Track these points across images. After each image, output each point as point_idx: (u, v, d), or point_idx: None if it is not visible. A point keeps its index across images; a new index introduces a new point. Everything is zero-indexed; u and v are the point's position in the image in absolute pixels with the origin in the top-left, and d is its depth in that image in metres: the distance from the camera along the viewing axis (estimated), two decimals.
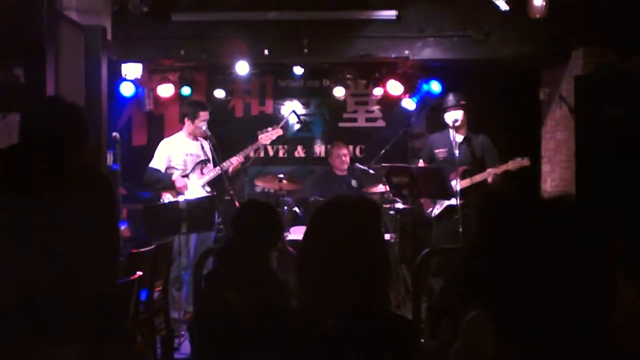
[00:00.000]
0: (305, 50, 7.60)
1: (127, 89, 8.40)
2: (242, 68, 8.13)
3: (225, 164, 7.09)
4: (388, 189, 7.21)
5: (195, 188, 7.04)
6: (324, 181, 8.38)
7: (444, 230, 6.98)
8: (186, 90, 8.81)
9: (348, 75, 8.67)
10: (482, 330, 2.37)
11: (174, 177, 7.01)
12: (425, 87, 8.51)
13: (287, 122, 8.92)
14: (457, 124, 7.01)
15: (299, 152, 9.53)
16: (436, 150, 7.26)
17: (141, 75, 8.32)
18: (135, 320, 4.43)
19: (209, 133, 7.08)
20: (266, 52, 7.74)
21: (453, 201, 6.65)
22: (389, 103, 9.05)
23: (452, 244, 6.41)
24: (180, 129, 7.36)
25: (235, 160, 7.18)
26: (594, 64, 7.32)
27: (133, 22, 7.27)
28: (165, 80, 8.67)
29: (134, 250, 5.15)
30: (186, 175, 7.07)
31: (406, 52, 7.75)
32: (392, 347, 2.12)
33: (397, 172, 6.89)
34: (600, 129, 6.88)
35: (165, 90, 8.68)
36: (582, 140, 7.16)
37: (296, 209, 8.02)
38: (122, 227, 7.76)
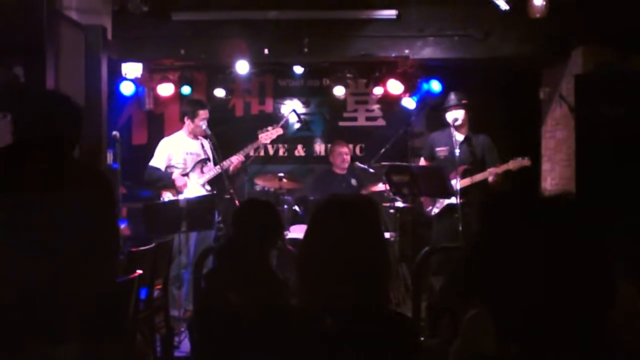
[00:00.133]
0: (306, 50, 7.60)
1: (127, 88, 8.41)
2: (242, 67, 8.13)
3: (225, 163, 7.09)
4: (388, 187, 7.21)
5: (195, 187, 7.04)
6: (324, 180, 8.38)
7: (444, 228, 6.99)
8: (186, 90, 8.81)
9: (348, 75, 8.67)
10: (482, 329, 2.37)
11: (174, 176, 7.01)
12: (425, 86, 8.52)
13: (287, 121, 8.93)
14: (457, 123, 7.02)
15: (299, 151, 9.53)
16: (437, 149, 7.27)
17: (141, 75, 8.33)
18: (135, 319, 4.43)
19: (209, 132, 7.08)
20: (266, 51, 7.74)
21: (453, 200, 6.66)
22: (389, 102, 9.05)
23: (452, 243, 6.42)
24: (180, 128, 7.36)
25: (235, 160, 7.18)
26: (593, 63, 7.32)
27: (133, 22, 7.26)
28: (165, 79, 8.67)
29: (133, 249, 5.15)
30: (186, 174, 7.07)
31: (406, 51, 7.76)
32: (392, 345, 2.12)
33: (397, 171, 6.89)
34: (600, 128, 6.88)
35: (165, 89, 8.68)
36: (582, 139, 7.16)
37: (296, 207, 8.03)
38: (122, 226, 7.76)
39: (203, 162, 7.17)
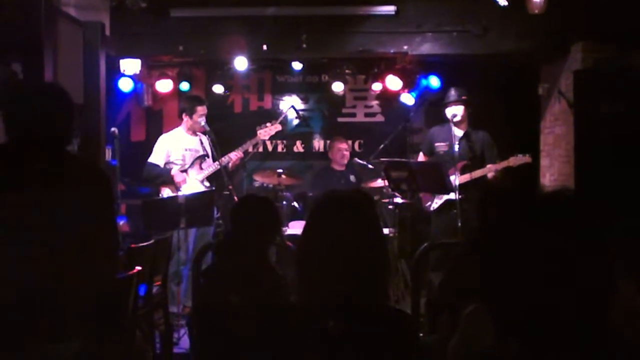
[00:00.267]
0: (304, 46, 7.60)
1: (125, 85, 8.40)
2: (240, 63, 8.13)
3: (224, 159, 7.09)
4: (387, 183, 7.22)
5: (194, 183, 7.04)
6: (323, 176, 8.38)
7: (443, 224, 6.99)
8: (185, 86, 8.80)
9: (347, 71, 8.68)
10: (480, 324, 2.37)
11: (173, 172, 7.01)
12: (424, 82, 8.52)
13: (285, 117, 8.93)
14: (456, 119, 7.04)
15: (298, 147, 9.53)
16: (436, 144, 7.27)
17: (140, 71, 8.32)
18: (134, 315, 4.43)
19: (207, 128, 7.08)
20: (265, 47, 7.74)
21: (452, 196, 6.66)
22: (388, 98, 9.05)
23: (451, 239, 6.42)
24: (179, 124, 7.36)
25: (234, 156, 7.19)
26: (592, 59, 7.32)
27: (131, 18, 7.25)
28: (164, 75, 8.67)
29: (132, 245, 5.15)
30: (185, 171, 7.07)
31: (405, 47, 7.75)
32: (391, 342, 2.12)
33: (396, 167, 6.89)
34: (599, 124, 6.88)
35: (164, 85, 8.68)
36: (581, 135, 7.17)
37: (295, 203, 8.04)
38: (121, 223, 7.76)
39: (202, 158, 7.17)
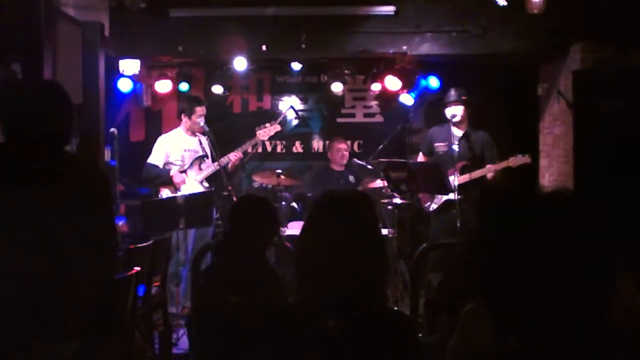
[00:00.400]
0: (303, 46, 7.59)
1: (124, 85, 8.40)
2: (240, 64, 8.13)
3: (223, 160, 7.09)
4: (386, 184, 7.21)
5: (193, 184, 7.04)
6: (322, 176, 8.38)
7: (442, 225, 6.99)
8: (184, 86, 8.80)
9: (346, 71, 8.67)
10: (478, 323, 2.37)
11: (172, 173, 7.01)
12: (423, 82, 8.51)
13: (285, 117, 8.93)
14: (455, 119, 7.04)
15: (297, 147, 9.52)
16: (436, 144, 7.27)
17: (139, 71, 8.31)
18: (133, 316, 4.43)
19: (206, 128, 7.08)
20: (264, 47, 7.73)
21: (451, 196, 6.66)
22: (387, 98, 9.05)
23: (450, 239, 6.42)
24: (178, 124, 7.36)
25: (233, 156, 7.19)
26: (592, 59, 7.32)
27: (131, 18, 7.25)
28: (163, 76, 8.66)
29: (131, 246, 5.15)
30: (184, 171, 7.07)
31: (404, 47, 7.75)
32: (390, 342, 2.12)
33: (395, 167, 6.89)
34: (598, 124, 6.88)
35: (163, 86, 8.67)
36: (580, 135, 7.17)
37: (294, 204, 8.03)
38: (120, 223, 7.76)
39: (201, 158, 7.17)
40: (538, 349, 1.61)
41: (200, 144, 7.20)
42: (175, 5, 7.60)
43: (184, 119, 7.21)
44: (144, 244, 5.35)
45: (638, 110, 6.67)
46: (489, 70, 8.33)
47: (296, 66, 8.68)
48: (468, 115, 7.19)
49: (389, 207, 7.47)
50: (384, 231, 7.07)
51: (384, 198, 7.55)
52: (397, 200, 7.42)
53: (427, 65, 8.38)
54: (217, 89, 8.91)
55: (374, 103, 9.46)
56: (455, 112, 7.08)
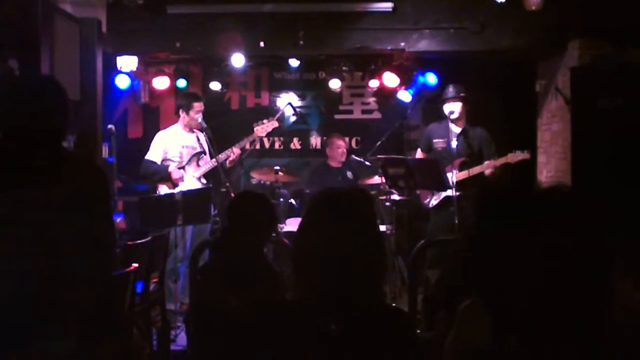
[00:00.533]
0: (301, 43, 7.59)
1: (122, 82, 8.39)
2: (237, 60, 8.13)
3: (221, 156, 7.08)
4: (384, 180, 7.22)
5: (191, 180, 7.03)
6: (320, 173, 8.39)
7: (441, 221, 6.99)
8: (182, 83, 8.80)
9: (344, 67, 8.67)
10: (476, 320, 2.37)
11: (170, 169, 7.01)
12: (421, 79, 8.51)
13: (283, 114, 8.92)
14: (453, 116, 7.05)
15: (295, 144, 9.52)
16: (434, 140, 7.27)
17: (136, 68, 8.30)
18: (131, 313, 4.42)
19: (204, 125, 7.07)
20: (262, 44, 7.73)
21: (450, 192, 6.67)
22: (385, 95, 9.05)
23: (449, 236, 6.42)
24: (176, 121, 7.35)
25: (231, 153, 7.18)
26: (590, 56, 7.32)
27: (128, 15, 7.24)
28: (161, 72, 8.65)
29: (129, 243, 5.15)
30: (182, 168, 7.06)
31: (402, 44, 7.74)
32: (388, 339, 2.12)
33: (393, 164, 6.89)
34: (596, 121, 6.89)
35: (161, 82, 8.67)
36: (578, 131, 7.17)
37: (292, 200, 8.04)
38: (118, 220, 7.76)
39: (199, 155, 7.17)
40: (536, 346, 1.61)
41: (198, 140, 7.20)
42: (173, 1, 7.59)
43: (182, 114, 7.20)
44: (142, 241, 5.35)
45: (636, 107, 6.67)
46: (487, 66, 8.32)
47: (294, 63, 8.68)
48: (466, 111, 7.18)
49: (387, 203, 7.48)
50: (382, 227, 7.07)
51: (382, 195, 7.55)
52: (395, 197, 7.43)
53: (425, 61, 8.38)
54: (215, 86, 8.92)
55: (371, 99, 9.46)
56: (453, 108, 7.08)
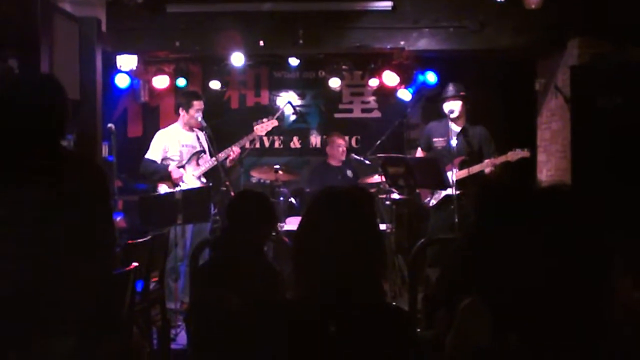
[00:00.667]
0: (301, 41, 7.58)
1: (122, 81, 8.39)
2: (237, 59, 8.13)
3: (221, 155, 7.08)
4: (384, 179, 7.22)
5: (191, 179, 7.03)
6: (320, 172, 8.39)
7: (441, 220, 6.99)
8: (181, 82, 8.81)
9: (344, 66, 8.67)
10: (476, 318, 2.38)
11: (170, 168, 7.00)
12: (420, 77, 8.52)
13: (282, 113, 8.92)
14: (453, 114, 7.05)
15: (295, 143, 9.52)
16: (434, 139, 7.27)
17: (136, 67, 8.30)
18: (132, 312, 4.42)
19: (204, 124, 7.07)
20: (261, 43, 7.72)
21: (450, 191, 6.67)
22: (385, 94, 9.05)
23: (449, 234, 6.42)
24: (176, 120, 7.35)
25: (231, 152, 7.18)
26: (589, 55, 7.32)
27: (127, 14, 7.24)
28: (161, 71, 8.66)
29: (129, 242, 5.15)
30: (182, 166, 7.06)
31: (401, 43, 7.74)
32: (388, 337, 2.12)
33: (393, 163, 6.90)
34: (596, 119, 6.89)
35: (161, 81, 8.67)
36: (578, 130, 7.17)
37: (292, 199, 8.04)
38: (118, 219, 7.76)
39: (199, 154, 7.16)
40: (536, 344, 1.61)
41: (198, 139, 7.20)
42: (172, 0, 7.58)
43: (182, 113, 7.20)
44: (142, 240, 5.36)
45: (635, 106, 6.67)
46: (487, 65, 8.33)
47: (293, 62, 8.69)
48: (466, 110, 7.18)
49: (387, 202, 7.48)
50: (382, 226, 7.07)
51: (382, 193, 7.55)
52: (395, 196, 7.43)
53: (425, 60, 8.38)
54: (215, 85, 8.93)
55: (371, 98, 9.46)
56: (453, 107, 7.08)
